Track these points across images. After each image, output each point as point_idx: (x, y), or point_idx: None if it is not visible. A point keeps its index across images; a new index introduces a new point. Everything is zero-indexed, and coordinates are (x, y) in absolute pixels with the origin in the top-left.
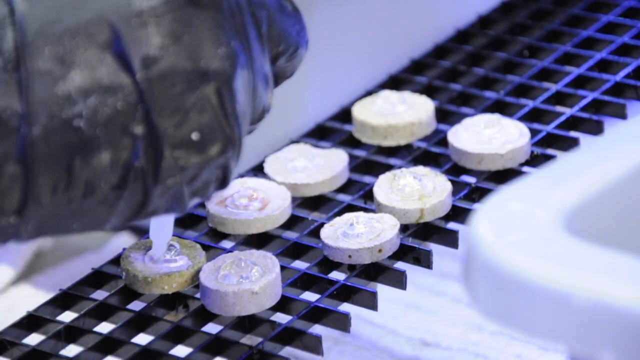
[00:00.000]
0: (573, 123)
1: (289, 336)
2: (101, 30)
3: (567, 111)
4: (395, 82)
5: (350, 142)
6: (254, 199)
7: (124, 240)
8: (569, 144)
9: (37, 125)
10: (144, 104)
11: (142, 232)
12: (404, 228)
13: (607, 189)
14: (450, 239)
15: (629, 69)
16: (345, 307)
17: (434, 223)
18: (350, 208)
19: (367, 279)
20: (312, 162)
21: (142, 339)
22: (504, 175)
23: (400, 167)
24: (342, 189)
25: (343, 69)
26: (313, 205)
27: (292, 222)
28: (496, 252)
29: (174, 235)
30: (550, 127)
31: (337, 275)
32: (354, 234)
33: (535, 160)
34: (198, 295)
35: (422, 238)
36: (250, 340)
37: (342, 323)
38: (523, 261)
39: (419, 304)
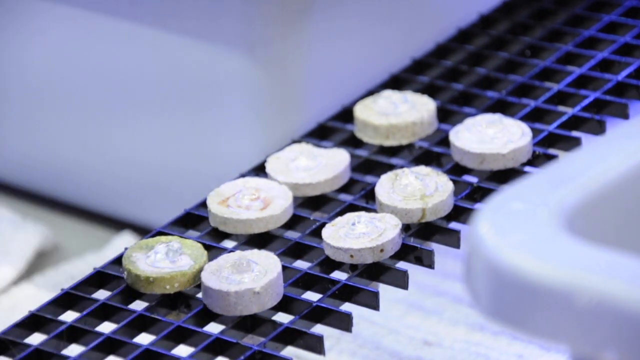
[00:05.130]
0: (575, 123)
1: (290, 336)
2: None
3: (568, 111)
4: (396, 82)
5: (351, 141)
6: (256, 199)
7: (125, 240)
8: (571, 144)
9: None
10: None
11: (144, 232)
12: (405, 228)
13: (609, 188)
14: (452, 239)
15: (631, 68)
16: (347, 306)
17: (435, 223)
18: (352, 208)
19: (369, 278)
20: (313, 162)
21: (144, 338)
22: (506, 175)
23: (401, 167)
24: (344, 189)
25: (344, 69)
26: (315, 205)
27: (293, 222)
28: (498, 252)
29: (176, 234)
30: (552, 127)
31: (338, 275)
32: (356, 234)
33: (537, 160)
34: (200, 295)
35: (423, 238)
36: (252, 340)
37: (344, 323)
38: (525, 261)
39: (420, 303)
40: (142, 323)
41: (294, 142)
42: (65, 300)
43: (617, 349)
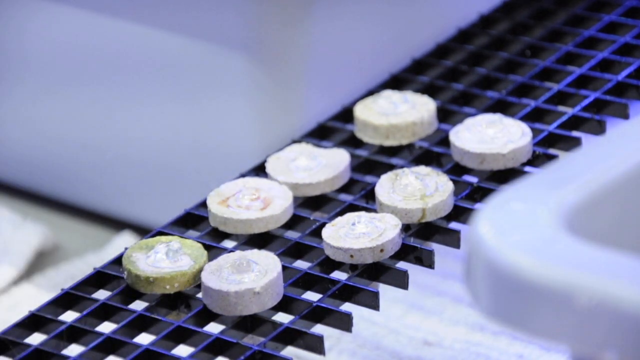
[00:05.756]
0: (575, 123)
1: (290, 336)
2: None
3: (569, 111)
4: (397, 82)
5: (352, 141)
6: (256, 199)
7: (125, 240)
8: (571, 144)
9: None
10: None
11: (144, 232)
12: (405, 228)
13: (609, 188)
14: (452, 239)
15: (631, 68)
16: (347, 306)
17: (435, 223)
18: (352, 208)
19: (369, 278)
20: (313, 162)
21: (144, 338)
22: (506, 175)
23: (402, 167)
24: (344, 189)
25: (345, 69)
26: (315, 205)
27: (293, 222)
28: (498, 252)
29: (176, 234)
30: (552, 127)
31: (338, 275)
32: (356, 234)
33: (537, 160)
34: (200, 295)
35: (423, 238)
36: (252, 340)
37: (344, 323)
38: (525, 261)
39: (420, 303)
40: (142, 323)
41: (294, 142)
42: (65, 300)
43: (617, 349)
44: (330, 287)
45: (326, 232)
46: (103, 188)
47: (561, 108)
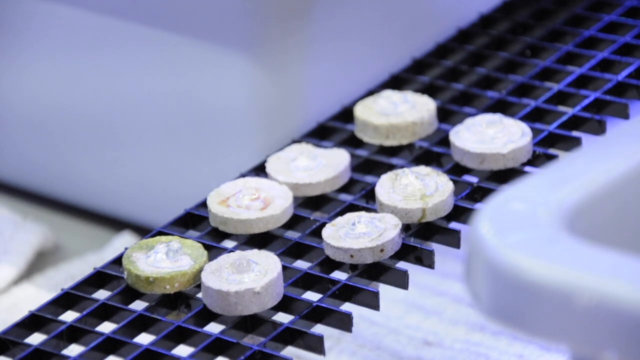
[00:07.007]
0: (575, 123)
1: (290, 336)
2: None
3: (569, 111)
4: (397, 82)
5: (352, 141)
6: (256, 199)
7: (125, 240)
8: (571, 144)
9: None
10: None
11: (144, 232)
12: (405, 228)
13: (609, 188)
14: (452, 239)
15: (631, 68)
16: (347, 306)
17: (435, 223)
18: (352, 208)
19: (369, 278)
20: (313, 162)
21: (144, 338)
22: (506, 175)
23: (402, 167)
24: (344, 189)
25: (345, 69)
26: (315, 205)
27: (294, 222)
28: (498, 252)
29: (176, 234)
30: (552, 127)
31: (338, 275)
32: (356, 234)
33: (537, 160)
34: (200, 295)
35: (424, 238)
36: (252, 340)
37: (344, 323)
38: (525, 261)
39: (420, 303)
40: (142, 323)
41: (294, 142)
42: (65, 300)
43: (617, 349)
44: (330, 287)
45: (326, 232)
46: (103, 188)
47: (561, 108)
